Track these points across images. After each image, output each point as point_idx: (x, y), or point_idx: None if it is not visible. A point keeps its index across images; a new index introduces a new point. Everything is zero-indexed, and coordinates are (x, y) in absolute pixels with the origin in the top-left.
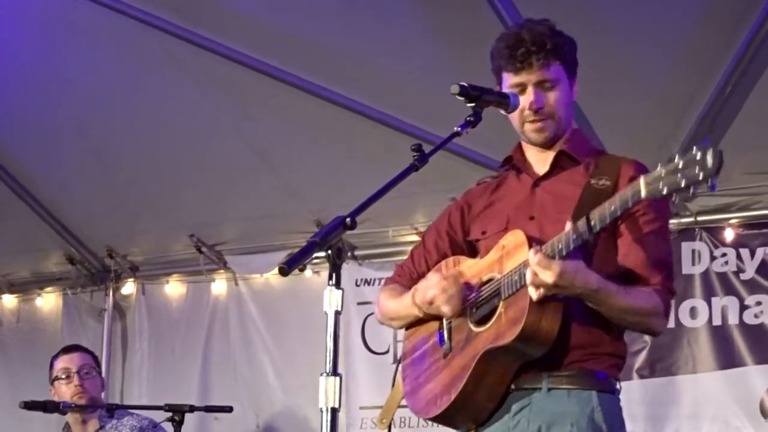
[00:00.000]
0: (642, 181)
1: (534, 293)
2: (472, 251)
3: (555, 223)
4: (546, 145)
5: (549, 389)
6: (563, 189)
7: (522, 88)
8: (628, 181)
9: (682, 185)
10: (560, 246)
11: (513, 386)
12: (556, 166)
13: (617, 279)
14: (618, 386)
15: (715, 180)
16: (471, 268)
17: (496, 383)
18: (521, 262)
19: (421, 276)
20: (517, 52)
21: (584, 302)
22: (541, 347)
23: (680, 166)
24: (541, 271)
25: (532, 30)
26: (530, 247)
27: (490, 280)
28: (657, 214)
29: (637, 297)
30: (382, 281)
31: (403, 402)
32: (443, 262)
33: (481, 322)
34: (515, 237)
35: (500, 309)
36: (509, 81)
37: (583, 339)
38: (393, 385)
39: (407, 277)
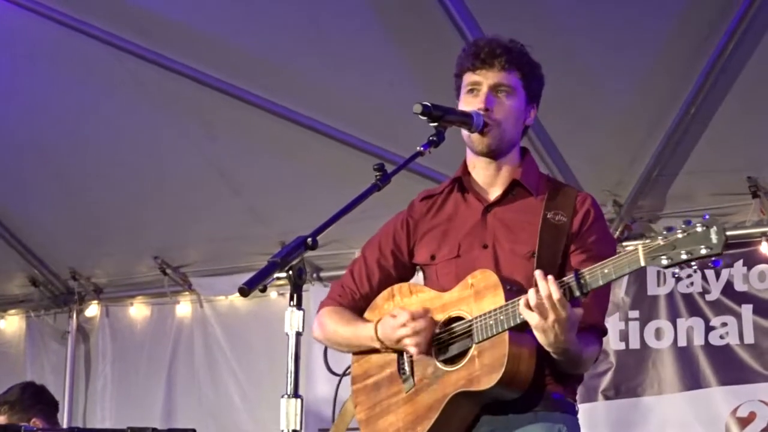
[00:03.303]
0: (641, 250)
1: (532, 319)
2: (413, 272)
3: (509, 254)
4: (490, 156)
5: (518, 411)
6: (517, 219)
7: (477, 88)
8: (583, 219)
9: (683, 259)
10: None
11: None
12: (508, 194)
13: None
14: (577, 408)
15: (720, 258)
16: (433, 301)
17: (464, 419)
18: (497, 306)
19: (364, 297)
20: (482, 50)
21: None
22: (518, 391)
23: (679, 237)
24: (553, 308)
25: (503, 39)
26: (506, 292)
27: (458, 318)
28: (596, 243)
29: (587, 349)
30: None
31: (353, 424)
32: (396, 288)
33: (449, 361)
34: (485, 277)
35: (473, 352)
36: (467, 80)
37: (549, 362)
38: (334, 404)
39: (349, 298)
